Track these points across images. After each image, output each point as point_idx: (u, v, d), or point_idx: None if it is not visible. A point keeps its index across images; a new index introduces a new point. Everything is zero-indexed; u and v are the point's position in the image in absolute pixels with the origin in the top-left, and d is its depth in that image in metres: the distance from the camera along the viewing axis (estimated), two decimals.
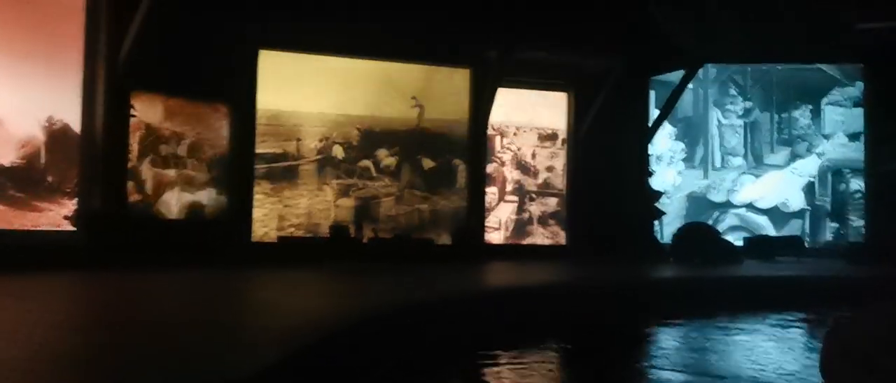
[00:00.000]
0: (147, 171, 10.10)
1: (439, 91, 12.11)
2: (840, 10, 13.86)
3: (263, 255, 10.51)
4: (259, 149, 11.09)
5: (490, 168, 12.63)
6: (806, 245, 14.87)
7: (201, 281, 7.97)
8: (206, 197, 10.65)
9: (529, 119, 13.04)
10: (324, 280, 8.68)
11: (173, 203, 10.38)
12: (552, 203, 13.13)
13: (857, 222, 17.29)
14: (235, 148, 10.80)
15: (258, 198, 11.10)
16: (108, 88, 9.08)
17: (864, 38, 14.92)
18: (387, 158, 11.79)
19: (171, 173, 10.39)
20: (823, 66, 17.66)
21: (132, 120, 9.82)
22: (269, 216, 11.22)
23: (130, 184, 9.89)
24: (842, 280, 10.47)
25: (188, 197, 10.51)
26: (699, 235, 13.04)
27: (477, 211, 12.11)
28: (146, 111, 10.06)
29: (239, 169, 10.82)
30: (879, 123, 15.98)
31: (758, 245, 14.33)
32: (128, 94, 9.55)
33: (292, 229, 11.30)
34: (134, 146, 9.92)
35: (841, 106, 18.36)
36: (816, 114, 18.36)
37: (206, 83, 10.40)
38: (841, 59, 16.95)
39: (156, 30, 9.18)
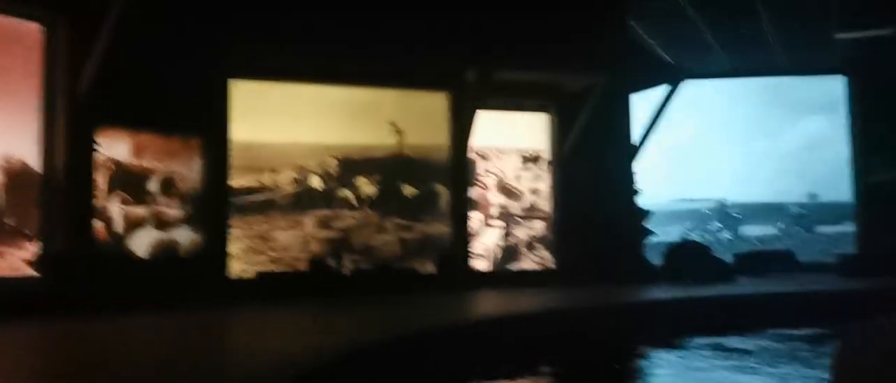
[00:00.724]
0: (115, 210, 9.70)
1: (418, 116, 11.79)
2: (821, 21, 13.82)
3: (242, 292, 10.18)
4: (234, 183, 10.77)
5: (473, 193, 12.37)
6: (797, 259, 14.65)
7: (175, 323, 7.58)
8: (180, 234, 10.25)
9: (511, 141, 12.76)
10: (303, 316, 8.30)
11: (145, 242, 9.96)
12: (539, 227, 12.85)
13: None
14: (209, 182, 10.43)
15: (234, 233, 10.75)
16: (68, 124, 8.68)
17: (845, 48, 14.95)
18: (366, 187, 11.46)
19: (142, 211, 10.00)
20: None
21: (97, 156, 9.43)
22: (246, 251, 10.85)
23: (98, 224, 9.48)
24: (840, 295, 10.23)
25: (161, 235, 10.11)
26: (690, 253, 12.97)
27: (461, 237, 11.82)
28: (113, 147, 9.69)
29: (213, 204, 10.45)
30: (867, 134, 15.98)
31: (749, 260, 14.21)
32: (92, 130, 9.17)
33: (271, 264, 10.92)
34: (101, 184, 9.52)
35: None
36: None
37: (176, 116, 10.07)
38: (823, 70, 16.99)
39: (119, 62, 8.84)
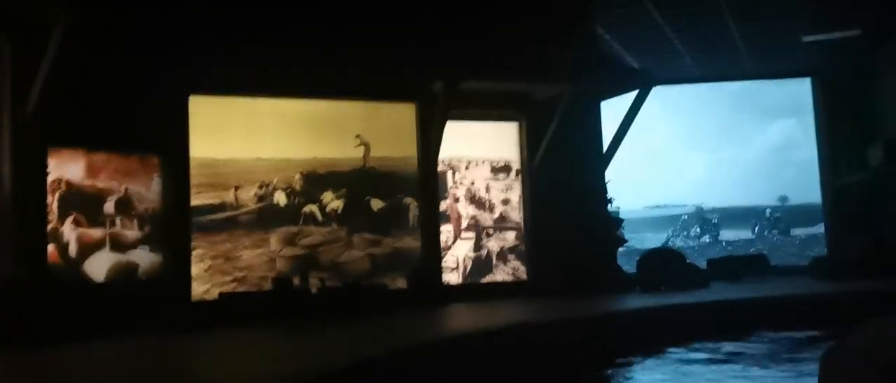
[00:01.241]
0: (69, 233, 9.31)
1: (384, 128, 11.59)
2: (786, 25, 13.86)
3: (205, 315, 9.82)
4: (195, 202, 10.42)
5: (443, 205, 12.14)
6: (770, 263, 14.62)
7: (133, 351, 7.24)
8: (139, 256, 9.86)
9: (481, 151, 12.51)
10: (269, 339, 7.97)
11: (102, 265, 9.57)
12: (510, 237, 12.63)
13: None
14: (169, 201, 10.09)
15: (196, 253, 10.41)
16: (15, 145, 8.29)
17: (811, 51, 15.03)
18: (333, 202, 11.18)
19: (98, 233, 9.62)
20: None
21: (49, 178, 9.04)
22: (209, 272, 10.52)
23: (51, 248, 9.09)
24: (819, 298, 10.16)
25: (118, 257, 9.72)
26: (664, 261, 12.84)
27: (432, 251, 11.57)
28: (66, 167, 9.31)
29: (174, 223, 10.12)
30: (834, 136, 16.07)
31: (722, 265, 14.14)
32: (42, 150, 8.78)
33: (235, 284, 10.58)
34: (53, 206, 9.13)
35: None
36: None
37: (132, 134, 9.74)
38: (789, 73, 17.07)
39: (68, 79, 8.48)
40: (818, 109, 16.72)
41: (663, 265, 12.62)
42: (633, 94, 12.95)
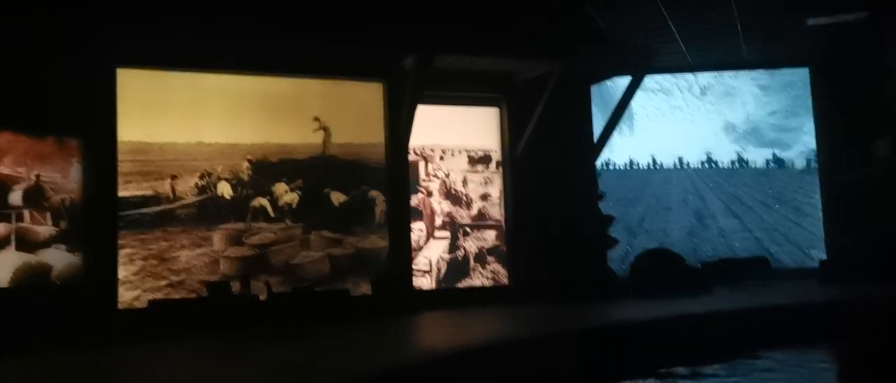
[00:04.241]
0: None
1: (348, 110, 10.79)
2: (789, 5, 12.92)
3: (133, 325, 8.77)
4: (123, 192, 9.52)
5: (414, 200, 11.26)
6: (771, 265, 13.67)
7: (42, 370, 6.21)
8: (53, 256, 8.75)
9: (457, 139, 11.71)
10: (188, 359, 6.68)
11: (5, 267, 8.36)
12: (490, 237, 11.76)
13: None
14: (91, 192, 9.15)
15: (124, 253, 9.39)
16: None
17: (813, 37, 14.17)
18: (286, 195, 10.34)
19: (1, 228, 8.42)
20: None
21: None
22: (139, 276, 9.42)
23: None
24: (834, 306, 9.33)
25: (26, 258, 8.56)
26: (659, 263, 11.97)
27: (401, 252, 10.75)
28: None
29: (97, 218, 9.15)
30: (833, 130, 15.28)
31: (722, 268, 13.28)
32: None
33: (170, 290, 9.45)
34: None
35: None
36: None
37: (47, 112, 8.88)
38: (787, 62, 16.24)
39: None
40: (816, 101, 15.84)
41: (659, 267, 11.78)
42: (626, 80, 12.04)
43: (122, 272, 9.22)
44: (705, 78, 15.67)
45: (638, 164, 14.89)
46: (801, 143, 15.68)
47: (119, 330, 8.50)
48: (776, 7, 13.01)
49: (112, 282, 9.11)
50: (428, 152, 11.48)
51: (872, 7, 13.13)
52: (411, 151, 11.11)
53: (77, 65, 8.92)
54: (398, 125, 10.70)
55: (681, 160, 15.00)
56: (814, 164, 15.35)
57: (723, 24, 13.38)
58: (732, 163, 15.37)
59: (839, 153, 15.28)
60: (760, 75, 16.04)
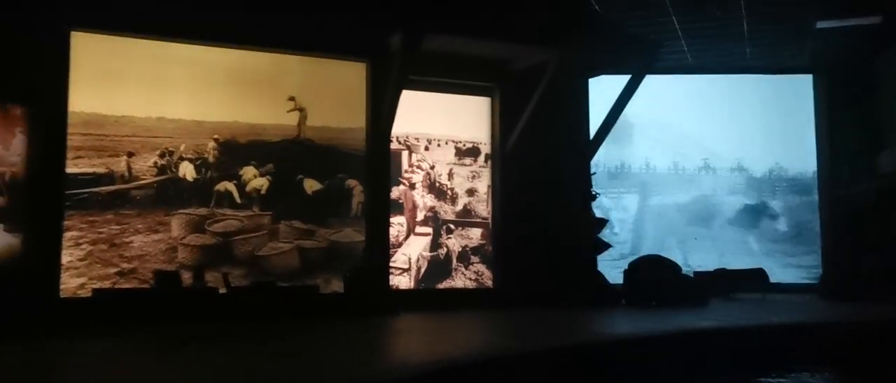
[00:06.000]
0: None
1: (326, 90, 10.31)
2: (800, 8, 12.54)
3: (77, 317, 8.10)
4: (72, 169, 8.88)
5: (395, 191, 10.82)
6: (769, 278, 13.36)
7: None
8: None
9: (444, 129, 11.33)
10: (123, 359, 5.92)
11: None
12: (475, 235, 11.34)
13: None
14: (36, 166, 8.54)
15: (70, 235, 8.71)
16: None
17: (821, 40, 13.95)
18: (255, 180, 9.78)
19: None
20: None
21: None
22: (86, 261, 8.72)
23: None
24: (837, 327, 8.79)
25: None
26: (656, 271, 11.54)
27: (379, 247, 10.26)
28: None
29: (42, 196, 8.56)
30: (836, 140, 15.05)
31: (718, 279, 13.07)
32: None
33: (119, 279, 8.74)
34: None
35: None
36: None
37: None
38: (790, 69, 16.04)
39: None
40: (819, 110, 15.56)
41: (655, 276, 11.40)
42: (627, 74, 11.63)
43: (67, 257, 8.60)
44: None
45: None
46: None
47: (59, 322, 7.80)
48: (787, 7, 12.64)
49: (55, 267, 8.50)
50: (412, 141, 11.09)
51: (885, 12, 12.83)
52: (394, 139, 10.74)
53: (26, 24, 8.30)
54: (381, 110, 10.31)
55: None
56: None
57: (728, 23, 13.06)
58: None
59: (841, 165, 15.04)
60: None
